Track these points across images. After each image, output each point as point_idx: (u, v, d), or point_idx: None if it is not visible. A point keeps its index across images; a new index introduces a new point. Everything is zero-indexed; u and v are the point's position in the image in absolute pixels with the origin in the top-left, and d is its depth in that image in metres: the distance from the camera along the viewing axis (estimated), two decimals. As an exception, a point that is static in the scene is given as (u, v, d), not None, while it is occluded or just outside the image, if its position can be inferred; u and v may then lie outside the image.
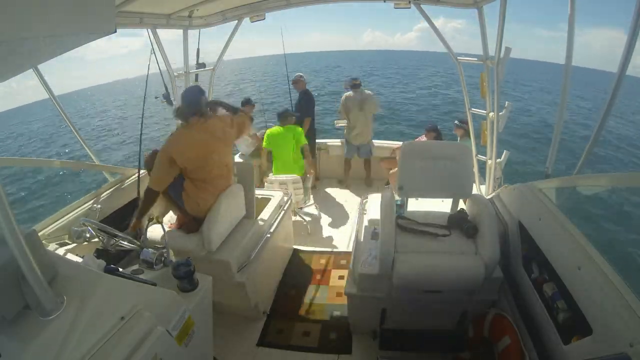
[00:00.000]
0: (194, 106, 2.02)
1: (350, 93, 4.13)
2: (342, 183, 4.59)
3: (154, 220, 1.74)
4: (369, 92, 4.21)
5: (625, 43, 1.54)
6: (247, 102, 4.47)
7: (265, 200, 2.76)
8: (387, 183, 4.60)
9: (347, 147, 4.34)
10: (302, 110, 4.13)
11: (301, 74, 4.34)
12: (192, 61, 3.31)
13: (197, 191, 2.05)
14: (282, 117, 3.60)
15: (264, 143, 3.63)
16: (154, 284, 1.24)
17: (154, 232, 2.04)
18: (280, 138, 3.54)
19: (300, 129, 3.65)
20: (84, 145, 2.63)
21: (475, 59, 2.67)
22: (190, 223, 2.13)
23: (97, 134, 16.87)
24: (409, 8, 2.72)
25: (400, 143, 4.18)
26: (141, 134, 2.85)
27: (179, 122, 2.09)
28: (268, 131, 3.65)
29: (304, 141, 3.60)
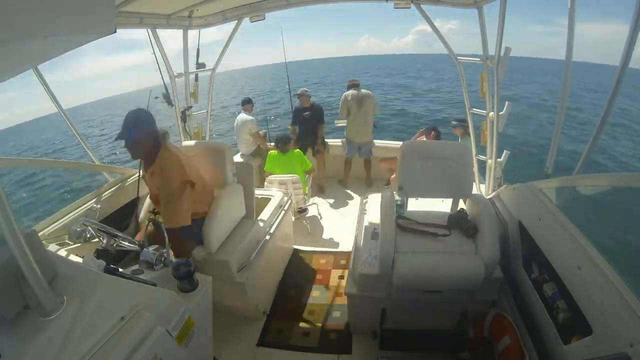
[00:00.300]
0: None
1: (349, 92, 4.19)
2: (342, 183, 4.60)
3: (155, 221, 1.74)
4: (367, 91, 4.24)
5: (625, 43, 1.54)
6: (248, 102, 4.53)
7: (265, 200, 2.76)
8: (387, 183, 4.59)
9: (348, 146, 4.35)
10: (316, 119, 4.34)
11: (306, 89, 4.44)
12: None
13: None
14: (282, 145, 3.58)
15: (266, 166, 3.66)
16: (154, 284, 1.24)
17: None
18: (284, 165, 3.55)
19: (300, 152, 3.69)
20: (84, 145, 2.63)
21: (476, 59, 2.67)
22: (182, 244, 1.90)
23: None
24: (409, 8, 2.73)
25: (401, 143, 4.19)
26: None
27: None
28: (270, 154, 3.65)
29: (310, 165, 3.72)
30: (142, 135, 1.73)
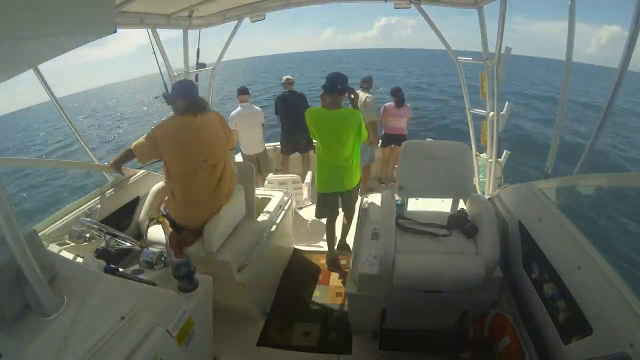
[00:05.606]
0: (189, 101, 1.95)
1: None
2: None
3: (155, 220, 1.75)
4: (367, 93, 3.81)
5: (625, 42, 1.54)
6: (245, 92, 4.07)
7: (266, 200, 2.76)
8: (382, 182, 4.59)
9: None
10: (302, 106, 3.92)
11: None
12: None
13: (183, 195, 1.97)
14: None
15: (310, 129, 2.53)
16: (154, 284, 1.24)
17: (155, 232, 2.04)
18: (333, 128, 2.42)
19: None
20: (84, 146, 2.63)
21: (476, 59, 2.67)
22: (185, 239, 2.02)
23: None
24: (409, 8, 2.73)
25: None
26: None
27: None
28: (314, 112, 2.51)
29: (365, 135, 2.53)
30: None
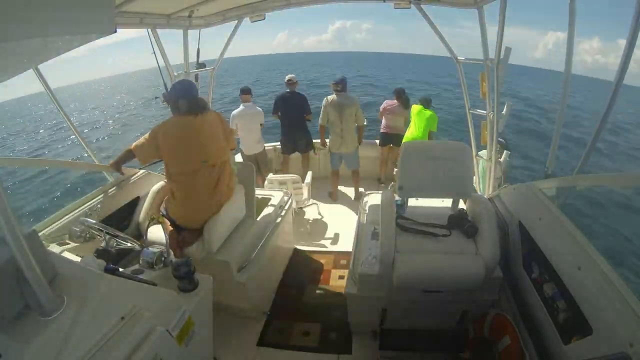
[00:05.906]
0: (189, 101, 1.96)
1: (330, 96, 3.77)
2: (330, 195, 4.29)
3: (155, 220, 1.75)
4: (352, 96, 3.79)
5: (625, 43, 1.54)
6: (247, 92, 4.10)
7: (266, 200, 2.76)
8: (382, 182, 4.59)
9: (330, 157, 4.02)
10: (302, 106, 4.07)
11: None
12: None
13: (182, 195, 1.98)
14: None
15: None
16: (154, 284, 1.24)
17: (155, 232, 2.04)
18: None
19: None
20: (84, 145, 2.63)
21: (476, 59, 2.68)
22: (185, 239, 2.03)
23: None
24: (409, 8, 2.73)
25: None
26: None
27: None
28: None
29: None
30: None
